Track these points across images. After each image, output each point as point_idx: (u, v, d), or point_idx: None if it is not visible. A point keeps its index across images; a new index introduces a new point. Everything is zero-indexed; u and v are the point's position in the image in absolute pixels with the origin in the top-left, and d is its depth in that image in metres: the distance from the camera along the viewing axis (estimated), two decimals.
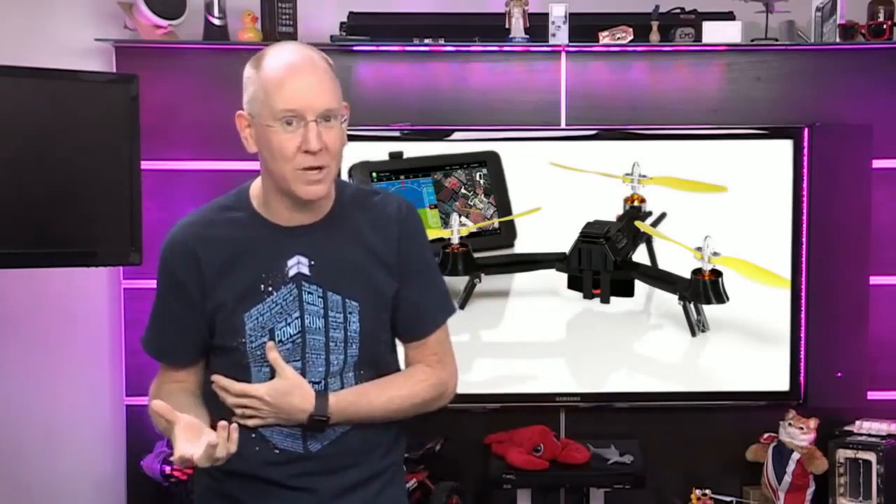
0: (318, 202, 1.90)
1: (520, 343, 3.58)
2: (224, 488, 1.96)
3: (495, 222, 3.54)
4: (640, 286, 3.52)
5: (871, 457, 3.43)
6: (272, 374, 1.89)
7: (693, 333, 3.53)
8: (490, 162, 3.53)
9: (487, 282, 3.52)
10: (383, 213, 1.96)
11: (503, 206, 3.54)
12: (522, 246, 3.55)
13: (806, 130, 3.53)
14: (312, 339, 1.90)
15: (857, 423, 3.57)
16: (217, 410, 1.91)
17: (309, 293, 1.90)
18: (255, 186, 1.95)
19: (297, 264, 1.90)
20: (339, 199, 1.95)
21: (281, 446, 1.91)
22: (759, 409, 3.61)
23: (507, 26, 3.51)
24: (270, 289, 1.89)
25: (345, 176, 3.34)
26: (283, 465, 1.92)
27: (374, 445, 1.97)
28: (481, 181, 3.54)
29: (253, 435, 1.90)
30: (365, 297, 1.92)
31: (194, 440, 1.75)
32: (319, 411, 1.87)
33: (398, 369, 2.03)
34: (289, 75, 1.83)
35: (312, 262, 1.90)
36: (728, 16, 3.58)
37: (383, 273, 1.94)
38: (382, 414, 1.94)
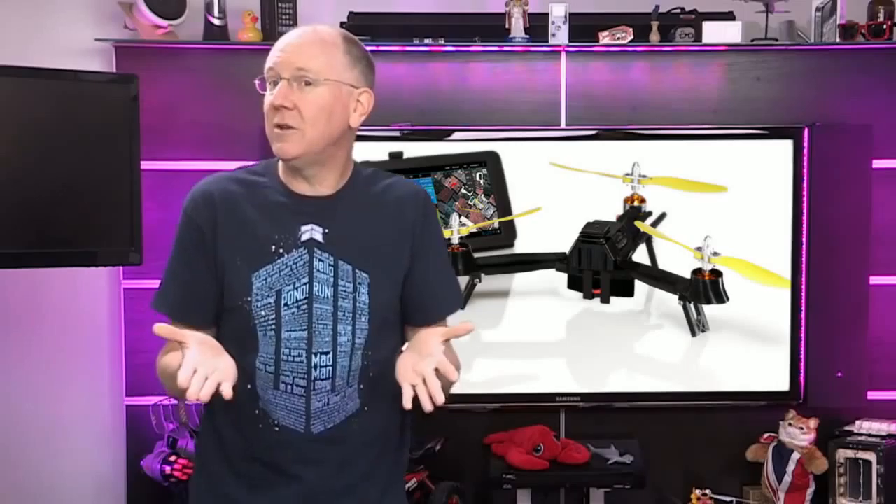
0: (315, 171, 1.92)
1: (520, 343, 3.58)
2: (220, 488, 1.96)
3: (495, 222, 3.54)
4: (640, 286, 3.52)
5: (871, 457, 3.43)
6: (277, 340, 1.89)
7: (693, 333, 3.53)
8: (490, 162, 3.53)
9: (487, 282, 3.52)
10: (400, 194, 1.99)
11: (503, 206, 3.54)
12: (522, 246, 3.55)
13: (806, 130, 3.53)
14: (319, 308, 1.90)
15: (857, 423, 3.56)
16: (235, 388, 1.89)
17: (320, 260, 1.91)
18: None
19: (311, 230, 1.91)
20: (356, 176, 1.99)
21: (282, 423, 1.90)
22: (759, 409, 3.61)
23: (507, 26, 3.51)
24: (281, 251, 1.90)
25: None
26: (283, 448, 1.91)
27: (375, 441, 1.97)
28: (481, 181, 3.54)
29: (256, 411, 1.91)
30: (376, 271, 1.93)
31: (212, 357, 1.73)
32: None
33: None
34: (283, 39, 1.92)
35: (326, 231, 1.92)
36: (728, 16, 3.58)
37: (396, 250, 1.95)
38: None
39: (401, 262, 1.96)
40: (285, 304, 1.89)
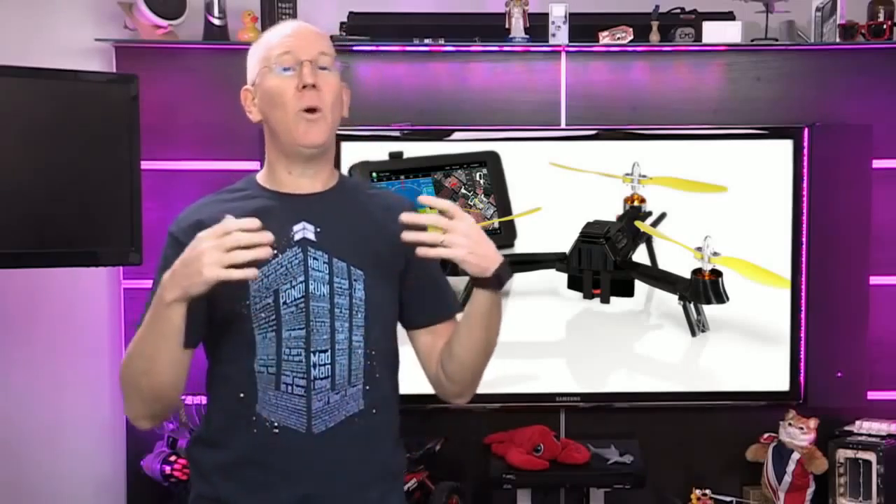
0: (319, 165, 1.95)
1: (520, 343, 3.57)
2: (217, 493, 1.95)
3: (495, 222, 3.54)
4: (640, 286, 3.52)
5: (871, 457, 3.43)
6: (278, 339, 1.88)
7: (693, 333, 3.53)
8: (490, 162, 3.53)
9: None
10: (389, 203, 2.01)
11: (503, 206, 3.54)
12: (522, 246, 3.55)
13: (806, 130, 3.53)
14: (316, 305, 1.91)
15: (857, 423, 3.57)
16: (226, 398, 1.91)
17: (314, 259, 1.92)
18: (262, 170, 2.01)
19: (303, 229, 1.93)
20: (343, 180, 2.03)
21: (283, 424, 1.89)
22: (759, 409, 3.61)
23: (507, 26, 3.51)
24: (276, 251, 1.89)
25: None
26: (282, 450, 1.90)
27: (375, 441, 1.96)
28: (481, 181, 3.54)
29: (254, 417, 1.90)
30: (370, 267, 1.94)
31: None
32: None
33: (397, 379, 2.04)
34: (284, 29, 1.96)
35: (318, 229, 1.93)
36: (728, 16, 3.58)
37: (389, 248, 1.94)
38: (496, 332, 2.00)
39: (395, 262, 1.97)
40: (284, 303, 1.90)
